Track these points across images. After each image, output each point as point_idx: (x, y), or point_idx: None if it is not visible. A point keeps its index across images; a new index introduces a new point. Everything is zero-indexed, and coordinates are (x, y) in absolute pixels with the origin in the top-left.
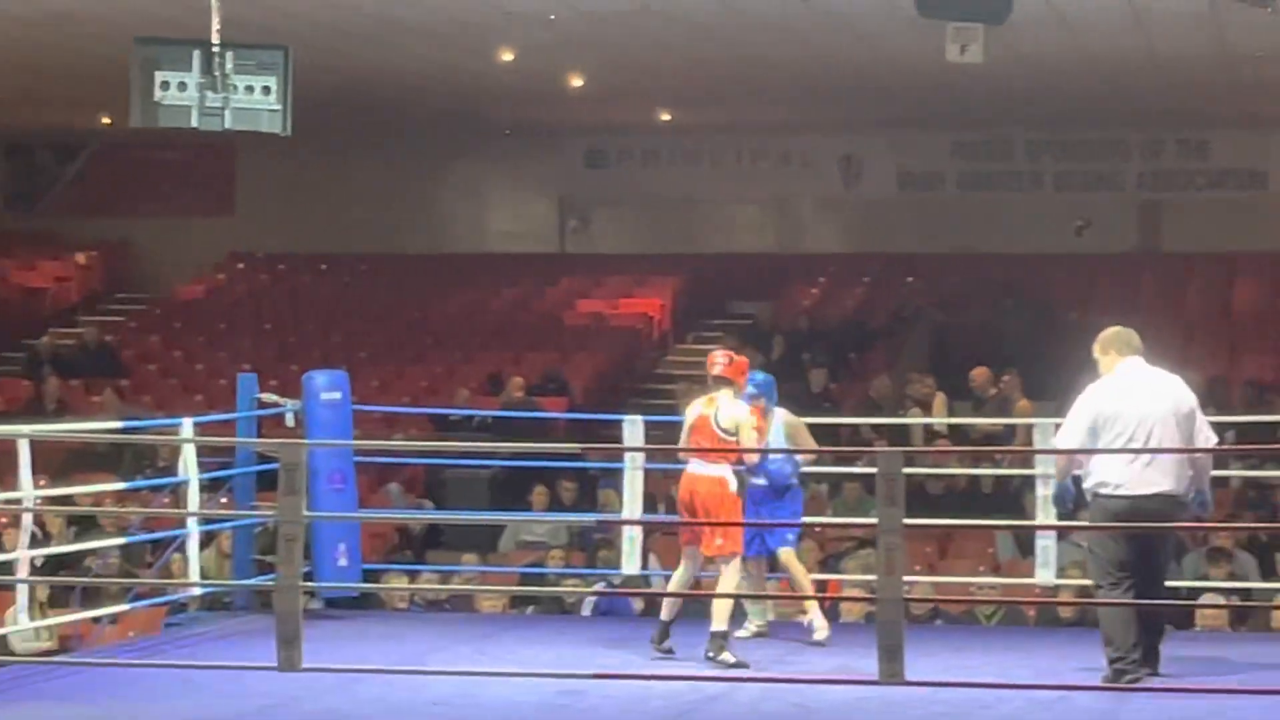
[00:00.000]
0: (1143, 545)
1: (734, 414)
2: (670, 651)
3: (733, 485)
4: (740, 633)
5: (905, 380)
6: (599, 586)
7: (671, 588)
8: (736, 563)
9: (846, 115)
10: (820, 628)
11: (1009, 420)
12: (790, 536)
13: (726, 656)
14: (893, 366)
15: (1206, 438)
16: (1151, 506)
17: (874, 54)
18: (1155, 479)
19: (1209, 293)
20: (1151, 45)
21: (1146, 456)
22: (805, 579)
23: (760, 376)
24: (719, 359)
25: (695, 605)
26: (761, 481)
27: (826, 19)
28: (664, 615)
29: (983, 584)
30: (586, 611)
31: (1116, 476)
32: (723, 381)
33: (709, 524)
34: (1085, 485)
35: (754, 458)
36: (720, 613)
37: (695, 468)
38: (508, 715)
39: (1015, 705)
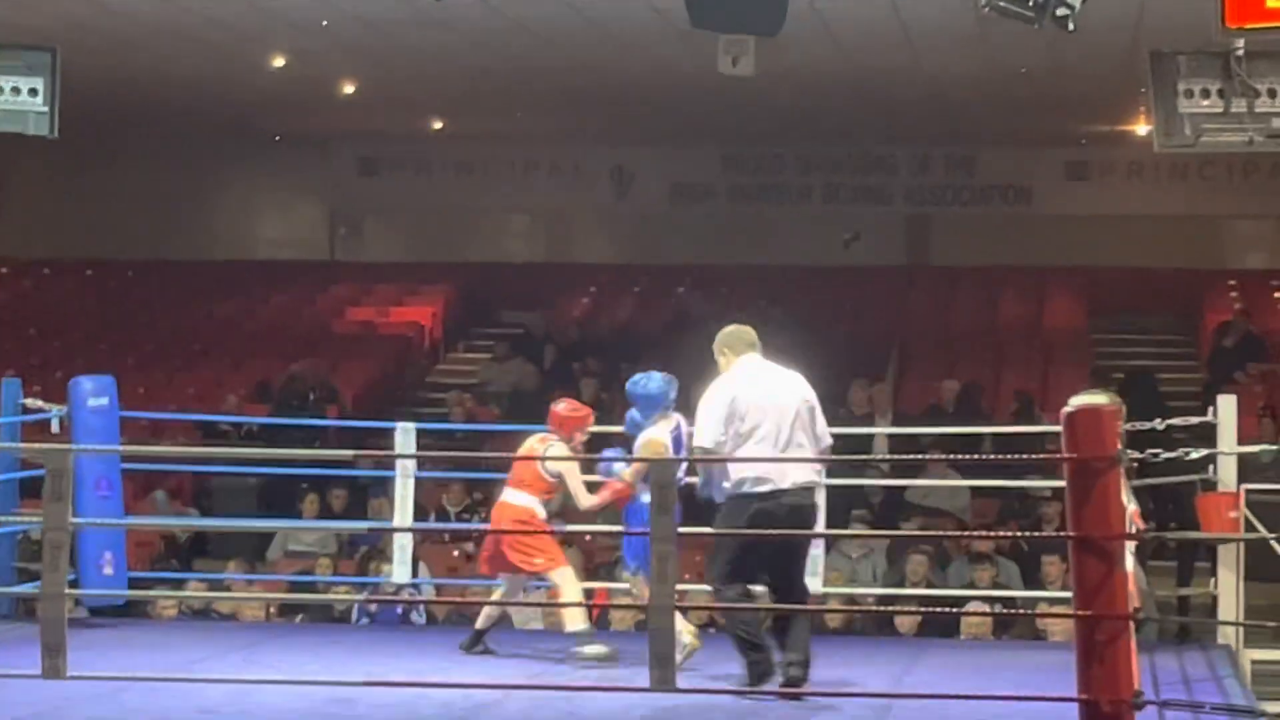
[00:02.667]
0: (786, 542)
1: (560, 456)
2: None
3: (540, 515)
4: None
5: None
6: (366, 594)
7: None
8: (567, 570)
9: (618, 126)
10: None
11: None
12: (631, 562)
13: (593, 649)
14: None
15: (825, 432)
16: (794, 500)
17: (646, 65)
18: (798, 472)
19: (975, 306)
20: (919, 62)
21: (788, 449)
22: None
23: (648, 388)
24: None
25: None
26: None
27: (599, 29)
28: (480, 624)
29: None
30: (363, 620)
31: (758, 470)
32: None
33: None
34: (723, 484)
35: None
36: (573, 616)
37: (506, 496)
38: None
39: (782, 712)
